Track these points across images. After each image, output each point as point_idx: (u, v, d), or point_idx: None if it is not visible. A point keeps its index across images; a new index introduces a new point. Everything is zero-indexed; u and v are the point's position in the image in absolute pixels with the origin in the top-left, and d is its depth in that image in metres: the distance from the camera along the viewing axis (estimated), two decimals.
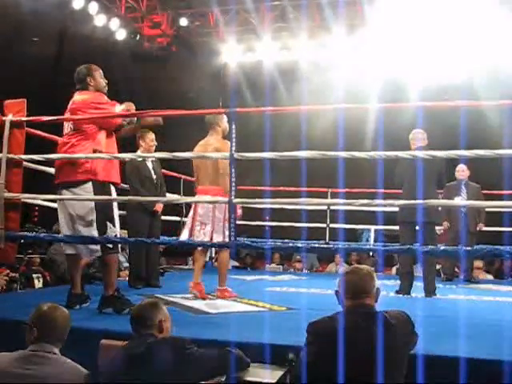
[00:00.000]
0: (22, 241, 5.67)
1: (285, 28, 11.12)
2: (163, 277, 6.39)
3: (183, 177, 7.76)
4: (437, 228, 7.90)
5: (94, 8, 9.95)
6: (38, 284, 6.86)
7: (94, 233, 4.12)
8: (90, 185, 4.14)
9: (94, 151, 4.15)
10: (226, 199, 4.00)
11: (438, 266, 9.22)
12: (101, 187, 4.18)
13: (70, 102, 4.35)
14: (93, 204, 4.15)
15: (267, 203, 4.20)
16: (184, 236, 5.08)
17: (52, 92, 10.11)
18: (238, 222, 7.04)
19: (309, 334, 2.60)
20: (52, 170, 4.71)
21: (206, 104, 10.29)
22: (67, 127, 4.29)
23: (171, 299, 4.86)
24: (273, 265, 10.05)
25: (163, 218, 6.30)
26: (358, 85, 10.45)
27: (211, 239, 4.93)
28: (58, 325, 2.64)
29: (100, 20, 10.20)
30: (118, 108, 4.28)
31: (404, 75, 10.29)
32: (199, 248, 5.21)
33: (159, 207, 5.90)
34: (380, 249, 6.64)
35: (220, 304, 4.69)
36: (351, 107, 4.91)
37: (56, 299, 4.32)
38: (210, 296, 5.07)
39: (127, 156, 4.70)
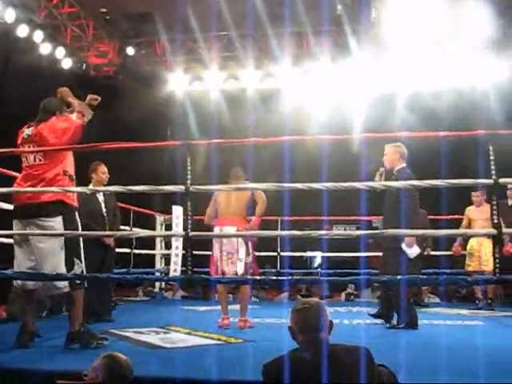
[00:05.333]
0: None
1: (232, 57, 11.25)
2: (115, 310, 6.26)
3: (133, 208, 7.69)
4: None
5: (38, 36, 9.82)
6: None
7: (63, 268, 4.07)
8: (60, 218, 4.11)
9: (64, 173, 4.17)
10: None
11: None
12: (71, 215, 4.18)
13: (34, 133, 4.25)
14: (63, 239, 4.12)
15: (230, 236, 4.24)
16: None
17: None
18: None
19: (264, 376, 2.58)
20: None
21: (154, 134, 10.32)
22: (32, 159, 4.21)
23: (124, 334, 4.77)
24: None
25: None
26: (304, 113, 10.68)
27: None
28: None
29: (45, 48, 10.07)
30: (74, 116, 4.29)
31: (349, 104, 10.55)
32: None
33: (110, 241, 5.81)
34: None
35: (176, 338, 4.63)
36: (297, 139, 4.99)
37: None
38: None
39: (77, 190, 4.52)
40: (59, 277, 4.05)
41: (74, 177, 4.33)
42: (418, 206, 5.41)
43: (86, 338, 4.08)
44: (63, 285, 4.12)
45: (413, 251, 5.15)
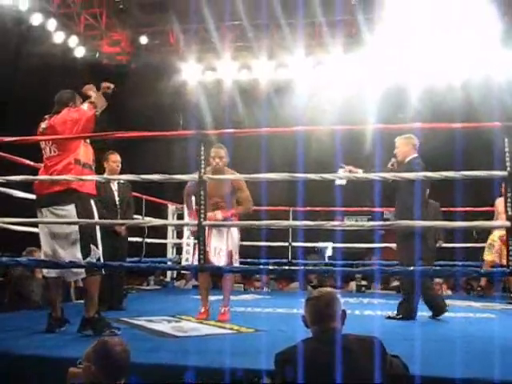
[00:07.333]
0: None
1: (245, 47, 11.22)
2: (126, 298, 6.29)
3: (145, 197, 7.71)
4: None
5: (52, 25, 9.84)
6: None
7: (78, 255, 4.11)
8: (72, 206, 4.14)
9: (76, 161, 4.18)
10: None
11: (396, 283, 9.39)
12: (85, 203, 4.20)
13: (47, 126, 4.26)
14: (77, 226, 4.15)
15: (242, 225, 4.24)
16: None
17: (7, 109, 9.94)
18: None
19: (276, 365, 2.58)
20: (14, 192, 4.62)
21: (166, 123, 10.33)
22: (48, 151, 4.25)
23: (136, 322, 4.79)
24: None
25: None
26: (317, 104, 10.65)
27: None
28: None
29: (59, 37, 10.10)
30: (85, 107, 4.28)
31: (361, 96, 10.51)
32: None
33: (121, 229, 5.80)
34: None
35: (187, 327, 4.63)
36: (310, 129, 4.98)
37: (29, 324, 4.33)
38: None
39: (88, 178, 4.50)
40: (72, 264, 4.06)
41: (93, 165, 4.36)
42: (424, 197, 5.22)
43: (100, 326, 4.10)
44: (79, 271, 4.16)
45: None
